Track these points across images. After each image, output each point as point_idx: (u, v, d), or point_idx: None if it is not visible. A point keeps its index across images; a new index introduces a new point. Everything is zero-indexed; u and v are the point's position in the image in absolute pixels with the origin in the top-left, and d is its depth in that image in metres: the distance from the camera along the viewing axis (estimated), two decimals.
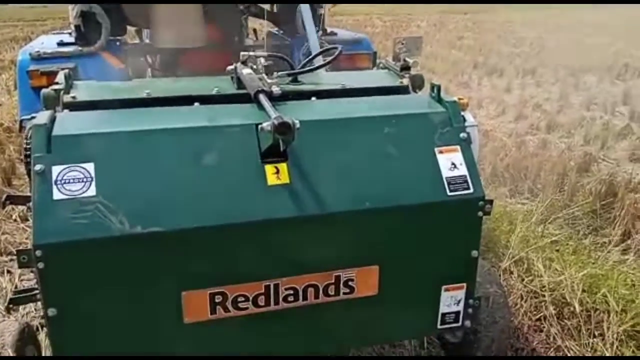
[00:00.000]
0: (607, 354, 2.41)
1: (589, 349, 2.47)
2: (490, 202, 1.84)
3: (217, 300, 1.66)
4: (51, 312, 1.52)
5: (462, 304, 1.94)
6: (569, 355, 2.47)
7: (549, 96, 7.86)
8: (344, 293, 1.78)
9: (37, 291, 1.74)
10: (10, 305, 1.96)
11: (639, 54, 10.62)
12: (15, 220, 3.88)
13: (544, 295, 2.73)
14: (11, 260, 3.34)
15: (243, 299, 1.68)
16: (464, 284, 1.92)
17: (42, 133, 1.55)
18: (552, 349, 2.52)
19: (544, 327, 2.63)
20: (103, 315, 1.58)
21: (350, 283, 1.78)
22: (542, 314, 2.68)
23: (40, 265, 1.47)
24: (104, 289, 1.56)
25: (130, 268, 1.56)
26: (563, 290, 2.72)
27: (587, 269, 2.86)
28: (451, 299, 1.93)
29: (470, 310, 1.96)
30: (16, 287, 2.99)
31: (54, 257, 1.47)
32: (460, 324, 1.97)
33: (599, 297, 2.66)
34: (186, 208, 1.58)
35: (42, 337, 2.34)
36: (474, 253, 1.87)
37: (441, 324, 1.95)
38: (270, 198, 1.65)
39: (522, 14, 20.16)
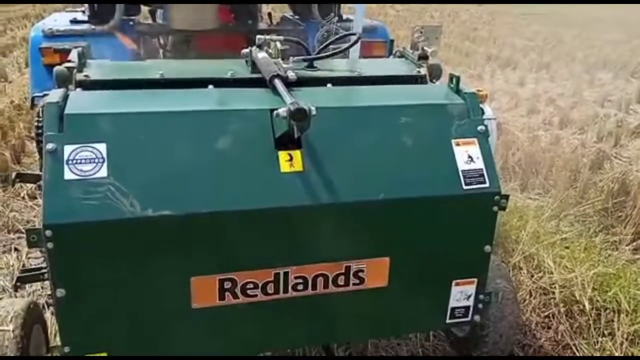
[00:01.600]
0: (617, 354, 2.39)
1: (598, 348, 2.44)
2: (506, 197, 1.81)
3: (226, 287, 1.64)
4: (59, 292, 1.51)
5: (472, 298, 1.92)
6: (577, 355, 2.45)
7: (563, 91, 7.76)
8: (354, 284, 1.76)
9: (44, 270, 1.73)
10: (18, 284, 1.96)
11: None
12: (23, 198, 3.88)
13: (553, 292, 2.70)
14: (19, 237, 3.34)
15: (252, 285, 1.66)
16: (475, 279, 1.90)
17: (54, 111, 1.53)
18: (560, 347, 2.49)
19: (552, 324, 2.61)
20: (111, 297, 1.57)
21: (360, 274, 1.75)
22: (550, 311, 2.66)
23: (50, 245, 1.46)
24: (113, 271, 1.54)
25: (140, 251, 1.55)
26: (573, 288, 2.69)
27: (598, 267, 2.83)
28: (461, 294, 1.91)
29: (480, 305, 1.94)
30: (23, 265, 2.99)
31: (63, 238, 1.46)
32: (469, 318, 1.95)
33: (609, 296, 2.63)
34: (197, 192, 1.56)
35: (49, 315, 2.34)
36: (487, 248, 1.85)
37: (450, 318, 1.93)
38: (282, 185, 1.62)
39: (537, 8, 19.93)
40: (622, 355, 2.39)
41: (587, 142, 5.40)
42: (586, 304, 2.59)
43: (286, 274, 1.68)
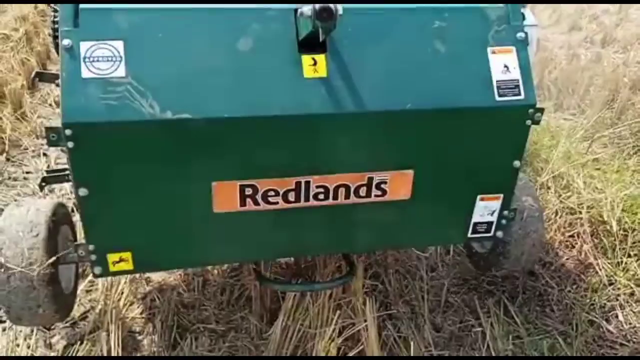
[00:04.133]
0: None
1: (621, 268, 2.42)
2: (541, 110, 1.72)
3: (247, 193, 1.63)
4: (82, 192, 1.52)
5: (496, 214, 1.88)
6: (598, 272, 2.43)
7: (608, 8, 7.31)
8: (376, 195, 1.73)
9: (68, 171, 1.74)
10: (43, 184, 1.97)
11: None
12: (50, 105, 3.91)
13: (580, 212, 2.64)
14: None
15: (273, 193, 1.65)
16: (501, 195, 1.85)
17: (69, 6, 1.47)
18: (582, 266, 2.47)
19: (576, 243, 2.57)
20: (132, 198, 1.58)
21: (382, 186, 1.72)
22: (576, 230, 2.61)
23: (70, 144, 1.44)
24: (134, 172, 1.54)
25: (159, 153, 1.53)
26: (601, 208, 2.62)
27: (630, 189, 2.75)
28: (485, 209, 1.87)
29: (503, 221, 1.91)
30: (48, 167, 3.04)
31: (83, 137, 1.44)
32: (492, 234, 1.93)
33: (639, 218, 2.57)
34: (217, 96, 1.51)
35: (77, 219, 2.39)
36: (516, 164, 1.79)
37: (472, 233, 1.91)
38: (305, 91, 1.56)
39: None
40: None
41: (629, 61, 5.13)
42: (614, 224, 2.53)
43: (307, 183, 1.66)
